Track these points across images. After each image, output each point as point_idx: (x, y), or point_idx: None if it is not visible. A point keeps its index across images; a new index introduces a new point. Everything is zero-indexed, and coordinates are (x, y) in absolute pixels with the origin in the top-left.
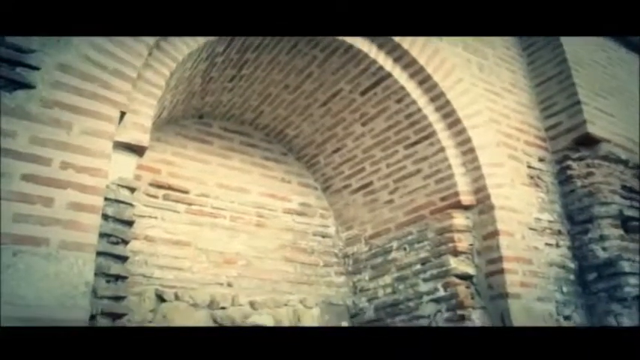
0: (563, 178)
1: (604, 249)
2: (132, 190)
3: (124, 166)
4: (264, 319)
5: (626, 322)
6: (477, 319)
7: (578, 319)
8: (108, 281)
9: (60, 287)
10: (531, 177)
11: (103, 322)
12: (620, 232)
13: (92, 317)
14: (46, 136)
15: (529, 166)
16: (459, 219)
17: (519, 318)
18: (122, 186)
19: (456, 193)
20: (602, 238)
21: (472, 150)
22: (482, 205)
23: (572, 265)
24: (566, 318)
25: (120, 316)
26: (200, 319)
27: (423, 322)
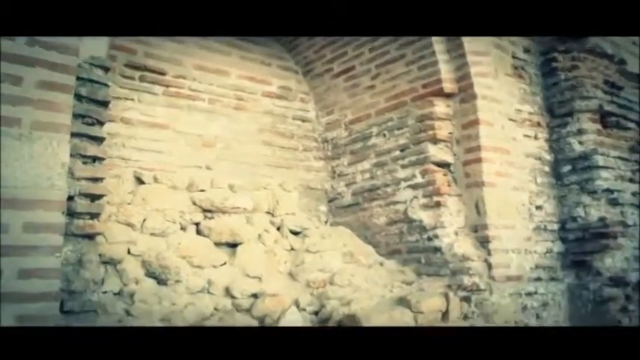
0: (547, 70)
1: (580, 142)
2: (106, 69)
3: (96, 44)
4: (242, 201)
5: (594, 213)
6: (452, 205)
7: (549, 209)
8: (85, 162)
9: (35, 168)
10: (515, 67)
11: (81, 202)
12: (598, 126)
13: (70, 198)
14: None
15: (514, 57)
16: (440, 107)
17: (493, 206)
18: (95, 65)
19: (439, 80)
20: (580, 131)
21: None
22: (464, 93)
23: (548, 157)
24: (538, 207)
25: (98, 197)
26: (179, 201)
27: (400, 208)
